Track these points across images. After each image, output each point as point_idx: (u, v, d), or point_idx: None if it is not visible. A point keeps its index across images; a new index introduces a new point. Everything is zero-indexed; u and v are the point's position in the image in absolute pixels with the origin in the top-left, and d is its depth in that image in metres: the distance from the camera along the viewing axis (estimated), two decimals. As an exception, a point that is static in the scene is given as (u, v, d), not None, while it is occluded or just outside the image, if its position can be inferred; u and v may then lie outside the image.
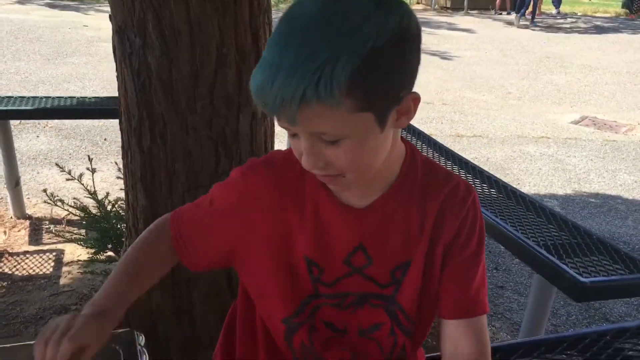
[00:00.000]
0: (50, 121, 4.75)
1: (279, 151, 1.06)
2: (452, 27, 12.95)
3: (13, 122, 3.29)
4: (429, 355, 1.21)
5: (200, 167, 1.97)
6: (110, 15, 1.86)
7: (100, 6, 12.05)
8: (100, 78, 6.46)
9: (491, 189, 2.47)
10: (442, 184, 1.02)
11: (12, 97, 3.25)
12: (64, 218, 3.26)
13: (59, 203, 2.61)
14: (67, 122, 4.73)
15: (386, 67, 0.81)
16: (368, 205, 1.00)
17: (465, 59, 9.59)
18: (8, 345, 1.09)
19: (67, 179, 2.58)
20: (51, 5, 11.86)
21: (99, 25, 9.60)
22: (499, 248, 3.38)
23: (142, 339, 1.08)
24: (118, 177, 2.54)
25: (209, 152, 1.95)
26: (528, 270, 3.20)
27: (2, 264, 2.88)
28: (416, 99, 0.88)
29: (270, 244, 1.01)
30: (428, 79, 7.57)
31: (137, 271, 1.03)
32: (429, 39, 10.38)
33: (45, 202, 2.71)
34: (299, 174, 0.98)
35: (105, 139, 4.62)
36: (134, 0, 1.73)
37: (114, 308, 0.96)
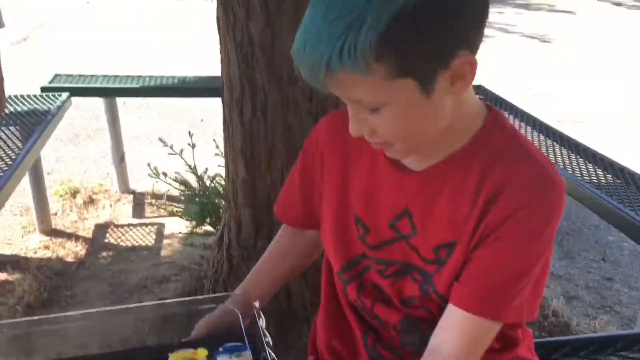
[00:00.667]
0: (151, 103, 4.94)
1: None
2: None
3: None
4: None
5: (299, 142, 1.95)
6: (215, -13, 1.88)
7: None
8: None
9: (606, 172, 2.30)
10: (514, 161, 0.90)
11: (119, 76, 3.39)
12: (164, 193, 3.38)
13: (161, 176, 2.70)
14: (166, 103, 4.90)
15: (421, 29, 0.74)
16: (422, 170, 0.94)
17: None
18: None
19: (169, 154, 2.65)
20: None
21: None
22: (606, 239, 3.17)
23: (257, 303, 1.10)
24: (216, 155, 2.59)
25: (308, 126, 1.94)
26: (639, 262, 2.99)
27: (108, 235, 3.02)
28: (472, 62, 0.80)
29: (332, 196, 1.03)
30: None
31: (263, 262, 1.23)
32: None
33: (148, 175, 2.80)
34: None
35: (202, 120, 4.75)
36: (239, -30, 1.73)
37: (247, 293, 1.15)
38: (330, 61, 0.74)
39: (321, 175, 1.06)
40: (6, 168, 2.20)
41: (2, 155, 2.33)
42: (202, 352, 1.07)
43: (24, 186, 3.17)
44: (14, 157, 2.31)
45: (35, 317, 1.11)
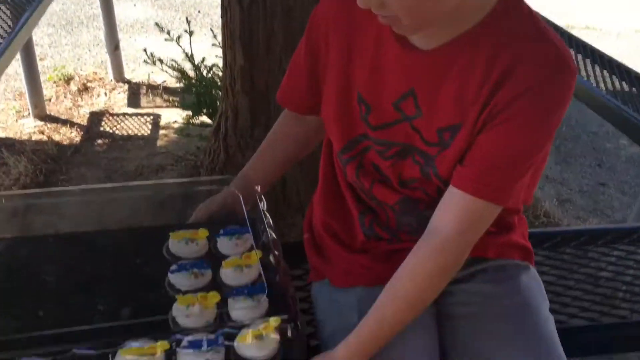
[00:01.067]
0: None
1: None
2: None
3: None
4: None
5: (299, 28, 1.89)
6: None
7: None
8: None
9: (622, 80, 2.25)
10: (528, 40, 0.86)
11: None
12: (160, 85, 3.32)
13: (157, 63, 2.63)
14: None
15: None
16: (430, 49, 0.90)
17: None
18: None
19: (166, 40, 2.57)
20: None
21: None
22: (604, 145, 3.17)
23: (258, 187, 1.11)
24: (213, 45, 2.51)
25: (309, 10, 1.85)
26: (635, 169, 3.00)
27: (103, 123, 2.99)
28: None
29: (336, 72, 1.00)
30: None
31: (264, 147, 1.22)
32: None
33: (144, 62, 2.72)
34: None
35: (199, 11, 4.60)
36: None
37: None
38: None
39: (326, 53, 1.02)
40: (-4, 46, 2.13)
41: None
42: (203, 233, 1.08)
43: (17, 71, 3.11)
44: (4, 35, 2.23)
45: (34, 190, 1.10)
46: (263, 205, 1.08)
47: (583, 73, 2.28)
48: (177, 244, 1.05)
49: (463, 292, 1.05)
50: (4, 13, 2.45)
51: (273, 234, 1.02)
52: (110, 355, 0.81)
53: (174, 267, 1.00)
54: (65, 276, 0.96)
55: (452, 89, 0.90)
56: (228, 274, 1.00)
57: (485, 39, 0.87)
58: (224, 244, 1.06)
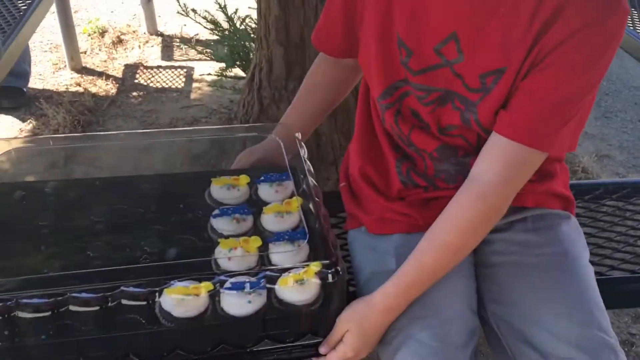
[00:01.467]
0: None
1: None
2: None
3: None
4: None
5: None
6: None
7: None
8: None
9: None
10: None
11: None
12: (193, 37, 3.31)
13: (190, 14, 2.62)
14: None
15: None
16: None
17: None
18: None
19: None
20: None
21: None
22: None
23: (299, 134, 1.11)
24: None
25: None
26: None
27: (137, 76, 3.01)
28: None
29: (375, 14, 0.97)
30: None
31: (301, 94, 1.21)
32: None
33: (177, 13, 2.71)
34: None
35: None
36: None
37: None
38: None
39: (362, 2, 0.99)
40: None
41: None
42: (244, 179, 1.08)
43: (52, 23, 3.13)
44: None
45: (79, 134, 1.12)
46: (304, 152, 1.08)
47: (630, 24, 2.19)
48: (219, 189, 1.06)
49: (502, 241, 1.05)
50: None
51: (313, 181, 1.02)
52: (157, 294, 0.84)
53: (216, 211, 1.01)
54: (112, 219, 0.99)
55: (496, 32, 0.87)
56: (269, 220, 1.01)
57: None
58: (265, 191, 1.07)
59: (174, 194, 1.07)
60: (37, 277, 0.86)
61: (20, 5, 2.05)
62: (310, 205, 1.02)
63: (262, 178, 1.08)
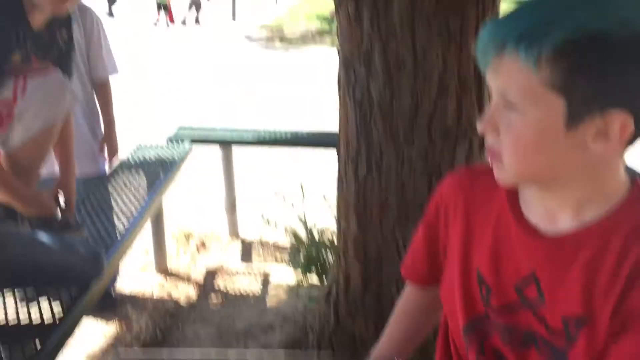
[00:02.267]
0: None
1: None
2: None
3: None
4: None
5: (412, 200, 1.96)
6: (337, 47, 1.95)
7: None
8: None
9: None
10: None
11: (236, 130, 3.59)
12: (271, 244, 3.47)
13: (273, 226, 2.78)
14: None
15: (609, 60, 0.73)
16: (553, 235, 0.88)
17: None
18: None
19: (280, 204, 2.74)
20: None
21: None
22: None
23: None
24: (321, 207, 2.64)
25: (422, 185, 1.93)
26: None
27: (218, 279, 3.13)
28: (625, 124, 0.76)
29: (457, 249, 1.00)
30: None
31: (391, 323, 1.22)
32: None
33: (262, 224, 2.89)
34: (493, 181, 0.91)
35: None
36: (362, 31, 1.80)
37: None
38: (506, 40, 0.76)
39: (445, 230, 1.04)
40: (135, 214, 2.36)
41: (132, 200, 2.50)
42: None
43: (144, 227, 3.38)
44: (139, 205, 2.47)
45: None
46: None
47: None
48: None
49: None
50: (140, 182, 2.73)
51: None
52: None
53: None
54: None
55: (579, 277, 0.87)
56: None
57: (615, 231, 0.84)
58: None
59: None
60: None
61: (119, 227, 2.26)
62: None
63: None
